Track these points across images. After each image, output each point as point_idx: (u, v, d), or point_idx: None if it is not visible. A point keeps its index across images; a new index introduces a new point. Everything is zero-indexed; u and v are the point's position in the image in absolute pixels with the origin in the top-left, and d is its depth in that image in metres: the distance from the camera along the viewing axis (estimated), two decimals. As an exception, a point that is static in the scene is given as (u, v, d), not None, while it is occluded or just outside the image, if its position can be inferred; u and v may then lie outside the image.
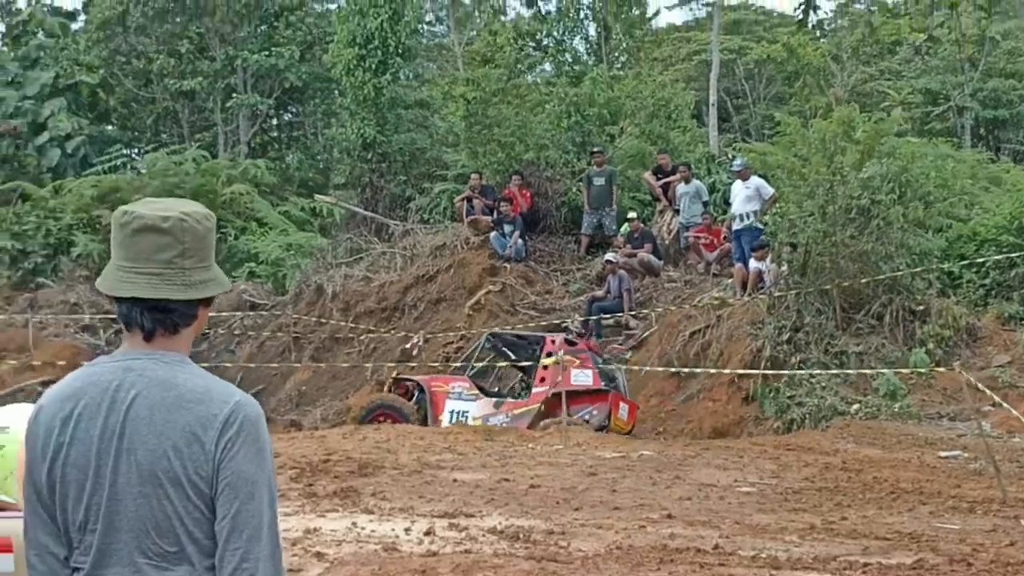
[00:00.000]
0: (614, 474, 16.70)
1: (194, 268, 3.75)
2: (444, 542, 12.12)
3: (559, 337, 24.14)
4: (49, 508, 3.71)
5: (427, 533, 12.47)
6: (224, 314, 31.26)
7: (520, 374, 25.31)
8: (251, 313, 31.86)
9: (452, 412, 23.59)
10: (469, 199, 31.22)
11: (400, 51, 34.54)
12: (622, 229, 29.89)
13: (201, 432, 3.60)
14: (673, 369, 24.20)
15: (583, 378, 23.01)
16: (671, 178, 30.28)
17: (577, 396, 22.83)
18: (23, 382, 28.93)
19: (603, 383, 23.27)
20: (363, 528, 12.78)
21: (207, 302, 3.84)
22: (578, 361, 23.33)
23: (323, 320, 30.13)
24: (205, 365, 15.52)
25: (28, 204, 38.99)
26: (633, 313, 27.32)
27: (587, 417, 22.86)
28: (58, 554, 3.73)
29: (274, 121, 52.04)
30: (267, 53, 44.13)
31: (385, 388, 25.23)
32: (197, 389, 3.66)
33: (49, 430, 3.70)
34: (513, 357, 25.05)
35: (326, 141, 43.69)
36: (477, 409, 23.56)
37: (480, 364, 25.13)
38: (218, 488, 3.60)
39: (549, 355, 23.57)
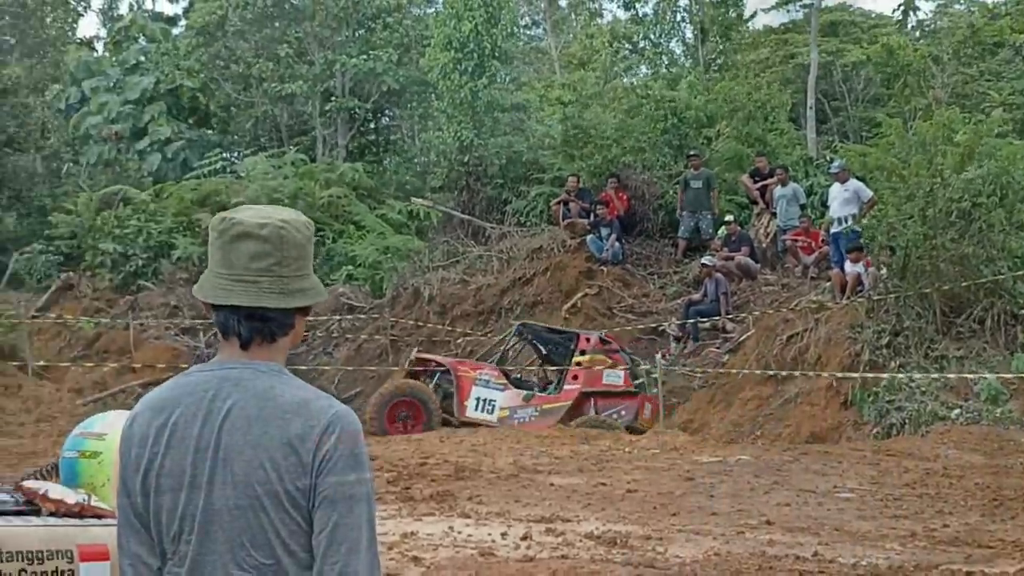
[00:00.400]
0: (711, 479, 16.63)
1: (292, 276, 3.72)
2: (541, 547, 12.11)
3: (594, 335, 24.38)
4: (143, 518, 3.70)
5: (524, 538, 12.47)
6: (322, 317, 31.42)
7: (543, 365, 25.54)
8: (349, 316, 31.97)
9: (478, 399, 23.75)
10: (566, 202, 31.26)
11: (496, 54, 34.56)
12: (719, 232, 29.76)
13: (299, 444, 3.57)
14: (770, 372, 24.07)
15: (614, 378, 23.43)
16: (768, 181, 30.11)
17: (606, 395, 23.20)
18: (124, 384, 29.25)
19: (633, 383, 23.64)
20: (460, 532, 12.80)
21: (304, 311, 3.80)
22: (610, 361, 23.58)
23: (420, 323, 30.23)
24: (303, 368, 15.79)
25: (129, 208, 39.31)
26: (730, 316, 27.20)
27: (616, 416, 23.12)
28: (151, 564, 3.73)
29: (372, 124, 52.09)
30: (365, 57, 44.24)
31: (405, 366, 25.34)
32: (295, 400, 3.63)
33: (144, 439, 3.69)
34: (543, 350, 25.27)
35: (423, 144, 43.71)
36: (505, 399, 23.76)
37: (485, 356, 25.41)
38: (316, 501, 3.57)
39: (583, 353, 23.79)
